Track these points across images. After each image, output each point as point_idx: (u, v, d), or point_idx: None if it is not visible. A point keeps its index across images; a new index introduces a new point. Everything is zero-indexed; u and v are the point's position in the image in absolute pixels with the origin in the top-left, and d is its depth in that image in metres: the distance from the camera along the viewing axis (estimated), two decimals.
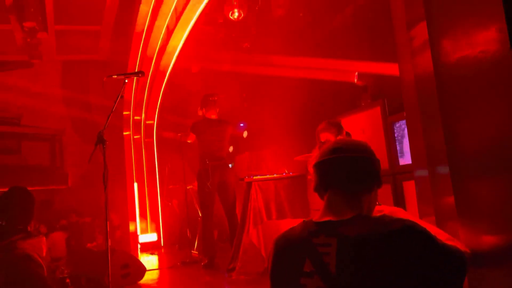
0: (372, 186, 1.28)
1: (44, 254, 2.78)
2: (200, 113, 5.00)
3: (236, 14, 5.39)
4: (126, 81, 3.06)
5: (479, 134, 1.36)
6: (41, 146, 8.52)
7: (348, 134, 3.65)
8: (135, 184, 7.56)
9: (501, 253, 1.24)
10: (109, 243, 3.09)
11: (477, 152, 1.35)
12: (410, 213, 1.70)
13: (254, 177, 4.16)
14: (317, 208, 3.26)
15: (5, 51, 7.78)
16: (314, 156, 3.80)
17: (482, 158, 1.32)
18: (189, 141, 5.10)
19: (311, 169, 3.39)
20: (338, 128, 3.40)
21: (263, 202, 4.07)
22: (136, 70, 6.61)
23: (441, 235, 1.28)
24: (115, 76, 3.06)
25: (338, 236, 1.14)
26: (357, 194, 1.26)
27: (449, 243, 1.21)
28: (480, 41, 1.30)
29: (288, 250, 1.27)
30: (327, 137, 3.25)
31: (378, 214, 1.26)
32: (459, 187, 1.42)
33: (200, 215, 6.27)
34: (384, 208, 1.56)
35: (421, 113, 1.79)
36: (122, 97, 3.05)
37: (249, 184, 4.13)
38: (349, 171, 1.28)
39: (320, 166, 1.32)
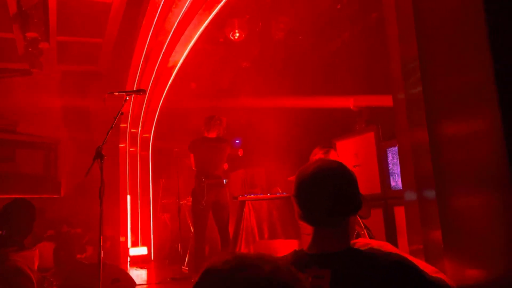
0: (355, 213, 1.31)
1: (35, 267, 2.79)
2: (205, 133, 5.02)
3: (237, 35, 5.49)
4: (127, 98, 3.11)
5: (467, 166, 1.42)
6: (35, 155, 8.52)
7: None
8: (128, 197, 7.55)
9: None
10: (101, 257, 3.11)
11: (465, 184, 1.40)
12: (399, 244, 1.74)
13: (248, 196, 4.20)
14: (308, 233, 3.30)
15: (6, 59, 7.82)
16: None
17: (470, 190, 1.38)
18: (193, 166, 5.02)
19: None
20: (328, 150, 3.48)
21: (256, 221, 4.10)
22: (136, 85, 6.69)
23: (428, 268, 1.32)
24: (117, 93, 3.12)
25: (331, 269, 1.18)
26: (343, 225, 1.29)
27: (436, 275, 1.26)
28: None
29: None
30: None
31: (366, 247, 1.30)
32: (446, 223, 1.48)
33: (193, 231, 6.27)
34: (371, 242, 1.60)
35: (411, 144, 1.86)
36: (122, 113, 3.10)
37: (243, 203, 4.17)
38: (332, 209, 1.26)
39: (299, 199, 1.32)
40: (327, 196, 1.27)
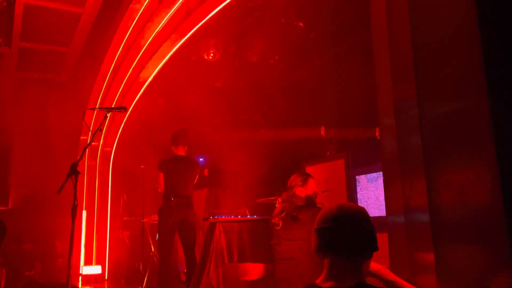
0: (371, 253, 1.40)
1: (2, 286, 2.63)
2: (172, 149, 4.98)
3: (211, 55, 5.55)
4: (108, 115, 3.06)
5: (459, 200, 1.53)
6: None
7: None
8: (84, 212, 7.26)
9: None
10: (69, 277, 2.98)
11: (461, 220, 1.52)
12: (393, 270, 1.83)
13: (219, 218, 4.18)
14: (283, 257, 3.34)
15: None
16: (279, 200, 3.92)
17: (465, 226, 1.49)
18: (160, 186, 4.93)
19: (276, 216, 3.49)
20: (306, 178, 3.57)
21: (225, 244, 4.08)
22: (100, 98, 6.52)
23: None
24: (98, 109, 3.05)
25: None
26: (358, 261, 1.37)
27: None
28: None
29: None
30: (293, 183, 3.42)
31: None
32: (439, 249, 1.57)
33: (153, 250, 6.13)
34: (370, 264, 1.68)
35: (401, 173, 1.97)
36: (100, 130, 3.03)
37: (213, 225, 4.13)
38: (352, 241, 1.36)
39: (322, 233, 1.41)
40: (352, 231, 1.37)
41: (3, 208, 7.88)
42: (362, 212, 1.45)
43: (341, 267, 1.34)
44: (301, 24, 5.03)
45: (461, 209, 1.51)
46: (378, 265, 1.70)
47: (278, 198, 4.24)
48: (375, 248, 1.40)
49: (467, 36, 1.51)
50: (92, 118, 6.73)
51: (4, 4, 5.55)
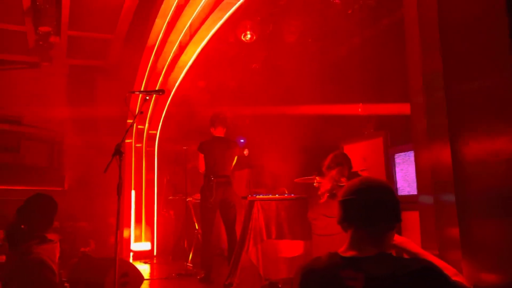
0: (394, 225, 1.43)
1: (56, 259, 2.89)
2: (211, 130, 5.12)
3: (248, 36, 5.59)
4: (147, 98, 3.21)
5: (485, 176, 1.52)
6: (40, 147, 8.56)
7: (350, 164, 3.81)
8: (133, 192, 7.64)
9: None
10: (116, 252, 3.22)
11: (486, 195, 1.51)
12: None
13: (258, 197, 4.29)
14: (320, 233, 3.41)
15: (15, 51, 7.90)
16: (323, 182, 3.97)
17: (490, 200, 1.49)
18: (201, 169, 5.07)
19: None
20: (346, 159, 3.60)
21: (264, 221, 4.18)
22: (144, 82, 6.79)
23: (449, 271, 1.43)
24: (138, 93, 3.21)
25: (365, 272, 1.28)
26: (381, 233, 1.41)
27: (456, 278, 1.37)
28: None
29: (316, 280, 1.38)
30: (339, 172, 3.45)
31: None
32: (465, 229, 1.58)
33: (197, 228, 6.37)
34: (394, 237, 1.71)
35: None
36: (141, 112, 3.19)
37: (252, 203, 4.25)
38: (375, 213, 1.41)
39: (346, 204, 1.46)
40: (376, 203, 1.41)
41: (59, 189, 8.40)
42: (385, 185, 1.48)
43: (363, 238, 1.39)
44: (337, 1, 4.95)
45: (487, 184, 1.50)
46: (402, 238, 1.73)
47: (316, 178, 4.29)
48: (398, 220, 1.43)
49: (494, 16, 1.47)
50: (138, 101, 7.03)
51: None
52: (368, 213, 1.41)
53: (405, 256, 1.66)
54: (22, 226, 2.66)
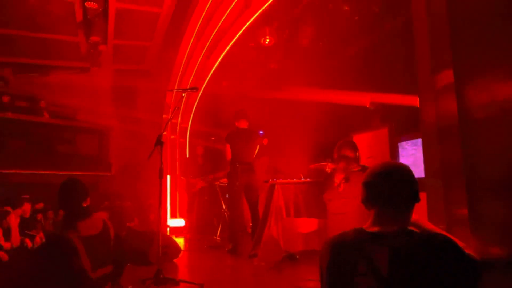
0: (414, 205, 1.38)
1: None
2: (236, 123, 5.10)
3: (268, 40, 5.52)
4: (184, 95, 3.19)
5: (497, 156, 1.44)
6: (92, 139, 8.71)
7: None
8: (168, 176, 7.71)
9: (508, 264, 1.33)
10: (159, 226, 3.23)
11: (493, 171, 1.43)
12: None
13: (277, 181, 4.26)
14: (335, 212, 3.36)
15: (69, 58, 8.01)
16: (329, 166, 3.90)
17: (498, 177, 1.41)
18: (227, 157, 5.02)
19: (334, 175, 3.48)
20: (354, 146, 3.51)
21: (283, 202, 4.16)
22: (177, 82, 6.79)
23: (459, 244, 1.37)
24: (175, 90, 3.19)
25: (389, 246, 1.23)
26: (401, 211, 1.35)
27: (466, 251, 1.31)
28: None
29: (343, 252, 1.33)
30: (347, 153, 3.37)
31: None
32: (473, 203, 1.51)
33: (224, 207, 6.39)
34: None
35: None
36: (178, 108, 3.17)
37: (273, 186, 4.23)
38: (395, 193, 1.35)
39: (370, 186, 1.40)
40: (397, 185, 1.36)
41: (108, 174, 8.54)
42: (405, 168, 1.42)
43: (385, 216, 1.34)
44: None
45: (495, 164, 1.42)
46: (416, 215, 1.66)
47: (329, 164, 4.23)
48: (417, 200, 1.38)
49: (503, 9, 1.38)
50: (172, 98, 7.05)
51: (100, 10, 5.87)
52: (389, 193, 1.36)
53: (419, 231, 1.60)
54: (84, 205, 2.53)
